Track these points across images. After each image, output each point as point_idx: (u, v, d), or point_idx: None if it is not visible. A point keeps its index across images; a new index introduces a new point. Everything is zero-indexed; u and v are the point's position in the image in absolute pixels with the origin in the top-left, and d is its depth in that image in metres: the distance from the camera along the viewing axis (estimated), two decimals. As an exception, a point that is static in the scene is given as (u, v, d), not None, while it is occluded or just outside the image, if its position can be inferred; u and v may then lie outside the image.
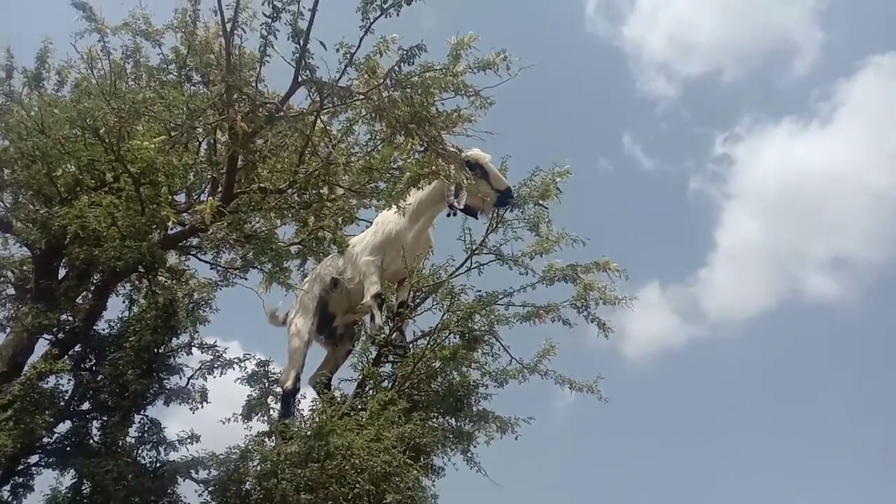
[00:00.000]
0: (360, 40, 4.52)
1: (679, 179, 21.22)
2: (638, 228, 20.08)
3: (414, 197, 5.59)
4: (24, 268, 5.79)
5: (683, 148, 21.64)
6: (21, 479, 5.22)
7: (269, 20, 4.42)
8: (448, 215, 5.67)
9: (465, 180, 5.31)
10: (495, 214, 5.80)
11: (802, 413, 17.35)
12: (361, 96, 4.84)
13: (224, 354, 5.78)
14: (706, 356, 19.15)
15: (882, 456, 15.61)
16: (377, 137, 5.42)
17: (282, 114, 4.91)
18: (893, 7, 19.13)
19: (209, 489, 4.95)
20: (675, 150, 21.45)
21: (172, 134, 5.39)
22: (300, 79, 4.70)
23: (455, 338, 5.71)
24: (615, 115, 21.55)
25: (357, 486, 4.46)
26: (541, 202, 5.87)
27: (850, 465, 15.84)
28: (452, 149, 5.07)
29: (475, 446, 5.50)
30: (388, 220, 5.85)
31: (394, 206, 5.30)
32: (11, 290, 5.82)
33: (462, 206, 5.57)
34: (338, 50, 4.58)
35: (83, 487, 5.08)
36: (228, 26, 4.64)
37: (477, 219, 5.78)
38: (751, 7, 21.28)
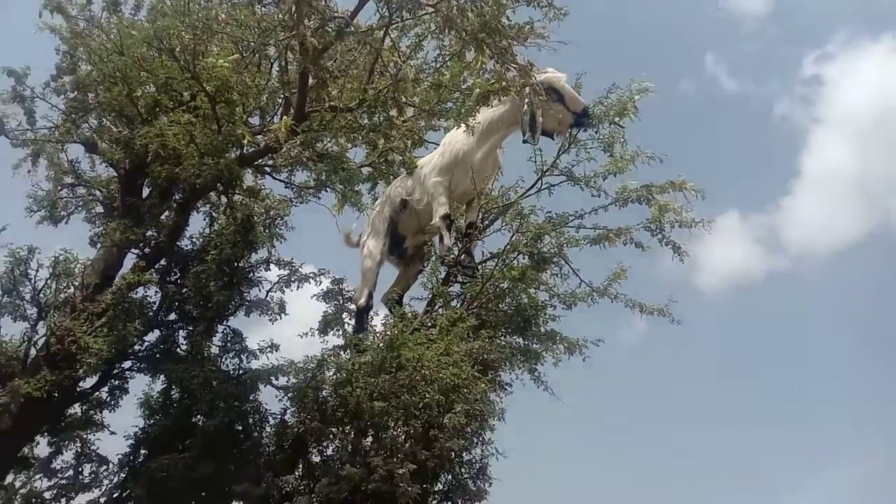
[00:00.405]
0: (429, -50, 4.40)
1: (764, 102, 20.05)
2: (718, 154, 19.04)
3: (483, 116, 5.48)
4: (111, 187, 6.07)
5: (770, 69, 20.38)
6: (117, 382, 5.65)
7: (339, -69, 4.35)
8: (524, 142, 5.56)
9: (536, 103, 5.17)
10: (570, 135, 5.66)
11: (887, 350, 16.39)
12: (431, 8, 4.74)
13: (300, 269, 5.98)
14: (788, 288, 18.32)
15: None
16: (446, 53, 5.33)
17: (351, 29, 4.87)
18: None
19: (288, 395, 5.20)
20: (761, 71, 20.22)
21: (245, 54, 5.45)
22: (369, -9, 4.64)
23: (524, 259, 5.70)
24: (698, 35, 20.31)
25: (427, 395, 4.61)
26: (616, 121, 5.69)
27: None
28: (524, 63, 4.93)
29: (542, 364, 5.55)
30: (455, 139, 5.79)
31: (462, 126, 5.25)
32: (100, 208, 6.13)
33: (537, 144, 5.45)
34: (407, -39, 4.48)
35: (172, 392, 5.45)
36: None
37: (554, 139, 5.66)
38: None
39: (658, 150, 5.69)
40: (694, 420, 15.66)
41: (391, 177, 6.38)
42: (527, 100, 5.19)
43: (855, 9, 19.70)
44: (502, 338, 5.56)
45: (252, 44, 5.37)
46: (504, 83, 5.11)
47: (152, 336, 5.68)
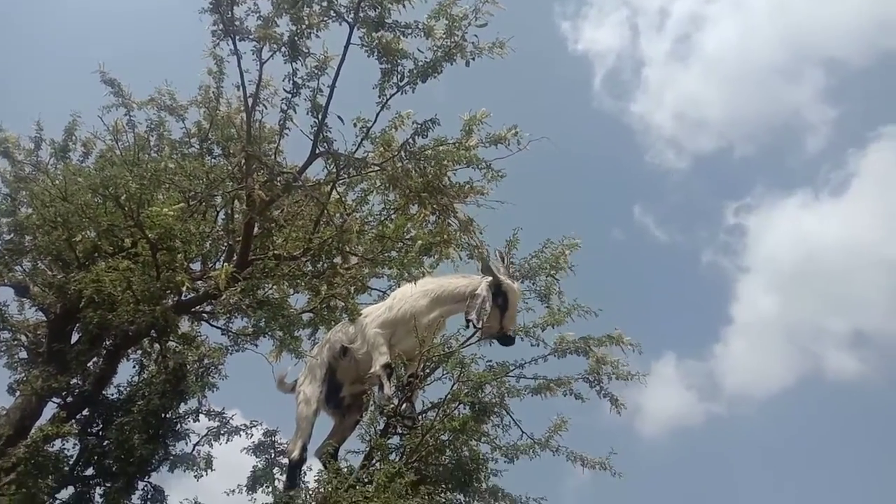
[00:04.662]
0: (377, 115, 4.72)
1: (692, 250, 21.16)
2: (652, 299, 19.74)
3: (440, 283, 5.57)
4: (38, 332, 5.83)
5: (695, 219, 21.66)
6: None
7: (290, 96, 4.64)
8: (467, 321, 5.36)
9: (487, 303, 5.22)
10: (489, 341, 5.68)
11: (826, 495, 16.55)
12: (376, 167, 5.00)
13: (231, 421, 5.73)
14: (725, 434, 18.50)
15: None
16: (391, 207, 5.54)
17: (299, 183, 5.06)
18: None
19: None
20: (687, 220, 21.47)
21: (191, 203, 5.54)
22: (318, 150, 4.87)
23: (464, 409, 5.62)
24: (626, 187, 21.66)
25: (361, 561, 4.33)
26: (552, 274, 5.91)
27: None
28: (463, 217, 5.17)
29: (483, 523, 5.33)
30: (406, 296, 5.72)
31: (412, 281, 5.33)
32: (24, 354, 5.84)
33: (479, 325, 5.31)
34: (355, 124, 4.77)
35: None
36: (250, 101, 4.85)
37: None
38: (759, 85, 21.72)
39: (594, 294, 5.96)
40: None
41: (332, 322, 6.34)
42: (483, 287, 5.28)
43: (767, 167, 21.57)
44: (442, 494, 5.35)
45: (199, 193, 5.48)
46: (446, 236, 5.34)
47: (66, 493, 5.25)
